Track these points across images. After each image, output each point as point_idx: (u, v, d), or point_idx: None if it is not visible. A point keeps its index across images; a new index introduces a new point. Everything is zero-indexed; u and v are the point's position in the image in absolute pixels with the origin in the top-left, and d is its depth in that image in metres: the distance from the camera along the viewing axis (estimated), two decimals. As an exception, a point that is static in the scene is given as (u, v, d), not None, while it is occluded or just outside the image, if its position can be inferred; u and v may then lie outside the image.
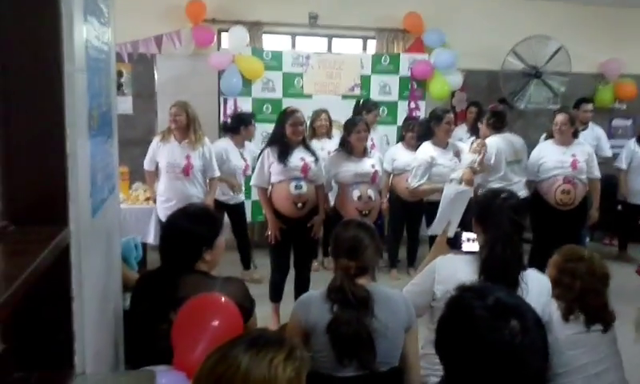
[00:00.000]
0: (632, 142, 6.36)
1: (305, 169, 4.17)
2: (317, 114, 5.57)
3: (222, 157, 5.19)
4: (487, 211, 2.29)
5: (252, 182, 4.41)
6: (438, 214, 2.78)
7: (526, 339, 1.19)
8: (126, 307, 2.34)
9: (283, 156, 4.13)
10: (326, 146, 5.34)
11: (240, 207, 5.49)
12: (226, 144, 5.34)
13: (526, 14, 7.05)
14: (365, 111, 5.71)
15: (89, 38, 1.66)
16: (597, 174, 5.00)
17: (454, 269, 2.25)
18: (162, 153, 4.81)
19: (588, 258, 2.58)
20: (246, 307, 2.12)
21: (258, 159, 4.39)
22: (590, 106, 6.36)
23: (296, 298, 4.24)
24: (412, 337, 2.18)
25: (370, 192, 4.33)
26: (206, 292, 2.02)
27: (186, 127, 4.75)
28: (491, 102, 6.82)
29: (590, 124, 6.40)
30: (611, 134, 7.76)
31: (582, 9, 7.24)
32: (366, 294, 2.05)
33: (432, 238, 4.88)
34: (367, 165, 4.37)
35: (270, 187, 4.27)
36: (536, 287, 2.21)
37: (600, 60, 7.45)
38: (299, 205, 4.18)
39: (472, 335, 1.22)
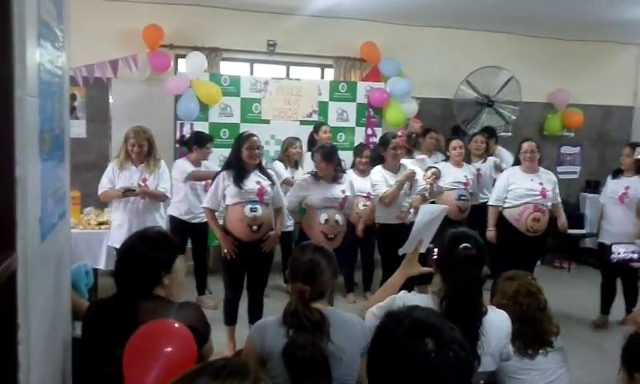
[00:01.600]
0: (608, 178, 5.55)
1: (261, 192, 4.17)
2: (292, 141, 5.63)
3: (182, 176, 5.22)
4: (447, 260, 2.22)
5: (204, 204, 4.42)
6: (410, 234, 2.79)
7: (441, 356, 1.22)
8: (76, 335, 2.27)
9: (239, 179, 4.14)
10: (296, 175, 5.42)
11: (202, 227, 5.41)
12: (184, 164, 5.36)
13: (478, 45, 7.29)
14: (314, 133, 5.82)
15: (42, 62, 1.64)
16: (559, 199, 5.22)
17: None
18: (120, 179, 4.71)
19: (525, 286, 2.69)
20: (202, 333, 2.09)
21: (212, 182, 4.39)
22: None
23: (250, 321, 4.24)
24: (368, 361, 2.19)
25: (338, 217, 4.38)
26: (163, 317, 1.99)
27: (148, 153, 4.73)
28: (445, 129, 7.03)
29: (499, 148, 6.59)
30: (560, 161, 8.07)
31: (532, 41, 7.54)
32: (320, 318, 2.06)
33: (385, 261, 4.94)
34: (337, 190, 4.44)
35: (225, 210, 4.28)
36: (494, 331, 2.19)
37: (549, 90, 7.76)
38: (254, 227, 4.16)
39: (393, 358, 1.27)
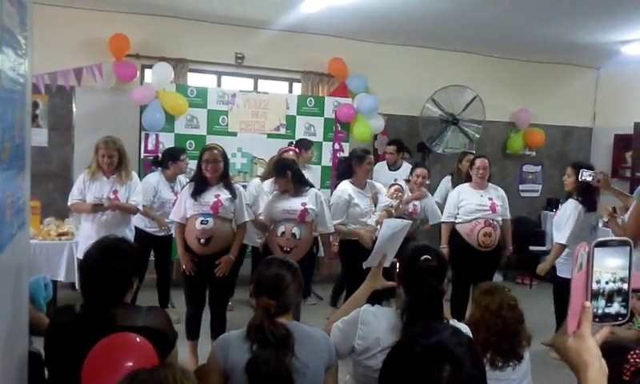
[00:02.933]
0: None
1: (215, 206, 4.13)
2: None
3: (153, 191, 5.17)
4: (409, 272, 2.22)
5: (170, 217, 4.44)
6: (374, 248, 2.79)
7: None
8: (33, 349, 2.21)
9: (198, 191, 4.14)
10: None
11: (166, 240, 5.35)
12: (157, 178, 5.30)
13: (444, 64, 7.43)
14: (303, 149, 5.79)
15: (3, 69, 1.61)
16: (509, 215, 5.26)
17: (376, 326, 2.20)
18: (90, 190, 4.60)
19: (506, 300, 2.73)
20: (170, 337, 2.11)
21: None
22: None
23: (212, 337, 4.17)
24: (332, 376, 2.19)
25: (295, 230, 4.32)
26: (134, 321, 2.02)
27: (119, 164, 4.64)
28: (411, 146, 7.12)
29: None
30: (522, 179, 8.25)
31: (496, 62, 7.72)
32: (285, 333, 2.04)
33: (350, 276, 4.90)
34: (297, 203, 4.38)
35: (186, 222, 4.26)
36: None
37: (512, 110, 7.94)
38: (202, 240, 4.13)
39: (405, 370, 1.23)
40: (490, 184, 5.20)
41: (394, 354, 1.29)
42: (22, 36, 1.91)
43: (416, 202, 5.62)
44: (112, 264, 2.14)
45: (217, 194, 4.17)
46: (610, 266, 1.09)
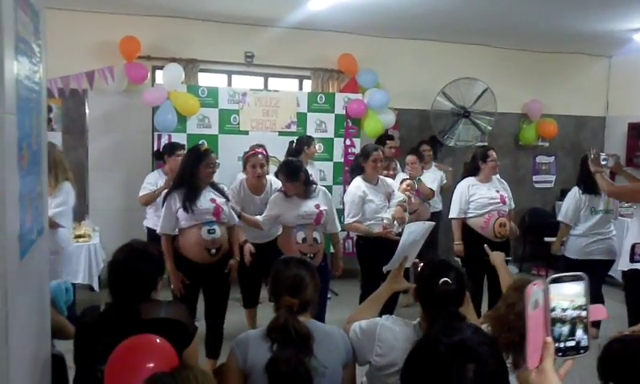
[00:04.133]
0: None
1: (217, 211, 3.93)
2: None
3: (151, 188, 5.18)
4: (427, 293, 2.17)
5: (158, 230, 4.06)
6: (396, 253, 2.77)
7: None
8: (56, 352, 2.26)
9: (192, 198, 3.87)
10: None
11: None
12: (157, 176, 5.33)
13: (454, 57, 7.39)
14: (306, 147, 5.80)
15: (19, 78, 1.63)
16: (512, 205, 5.26)
17: (394, 345, 2.14)
18: None
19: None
20: (190, 329, 2.25)
21: (163, 204, 4.09)
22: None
23: (207, 355, 4.07)
24: (349, 372, 2.20)
25: (316, 234, 4.17)
26: (157, 314, 2.17)
27: (48, 172, 4.40)
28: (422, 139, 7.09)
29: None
30: (536, 170, 8.20)
31: (506, 53, 7.66)
32: (307, 332, 2.05)
33: (365, 272, 4.87)
34: (311, 205, 4.21)
35: (178, 232, 3.99)
36: None
37: (523, 101, 7.88)
38: (213, 251, 3.91)
39: (429, 369, 1.23)
40: (494, 176, 5.20)
41: (416, 353, 1.30)
42: (36, 44, 1.93)
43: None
44: (140, 267, 2.28)
45: (212, 199, 3.96)
46: (567, 294, 1.09)
